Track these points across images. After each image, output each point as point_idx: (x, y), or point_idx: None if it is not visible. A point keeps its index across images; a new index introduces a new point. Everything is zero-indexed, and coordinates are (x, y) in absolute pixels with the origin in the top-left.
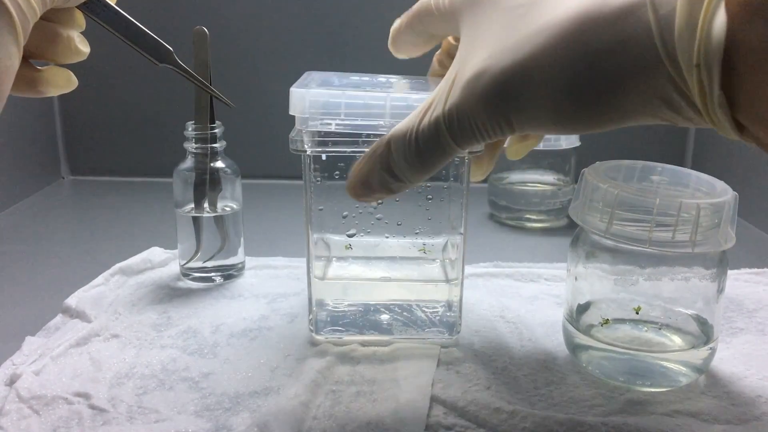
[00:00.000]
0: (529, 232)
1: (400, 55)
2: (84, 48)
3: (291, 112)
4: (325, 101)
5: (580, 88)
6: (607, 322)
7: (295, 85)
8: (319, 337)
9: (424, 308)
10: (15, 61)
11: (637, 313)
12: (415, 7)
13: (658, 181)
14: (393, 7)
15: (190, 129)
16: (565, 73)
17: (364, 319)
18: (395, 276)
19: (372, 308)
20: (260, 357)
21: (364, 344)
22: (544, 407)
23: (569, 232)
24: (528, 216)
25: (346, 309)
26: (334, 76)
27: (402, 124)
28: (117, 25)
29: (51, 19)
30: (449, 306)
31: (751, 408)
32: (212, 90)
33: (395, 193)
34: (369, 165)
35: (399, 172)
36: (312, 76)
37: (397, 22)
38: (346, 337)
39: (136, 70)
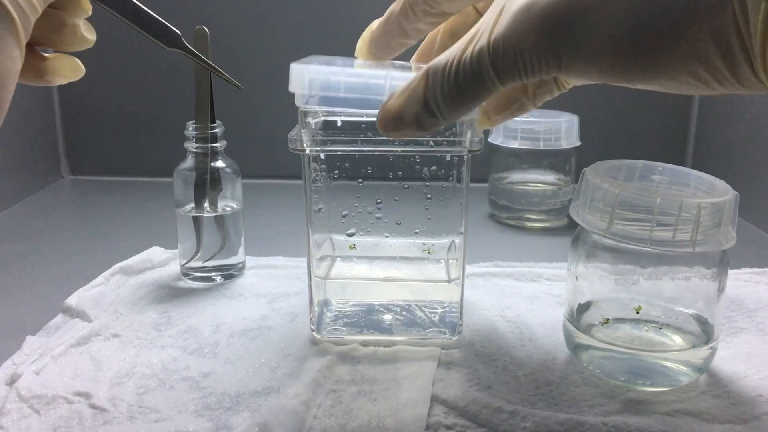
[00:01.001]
0: (529, 232)
1: (377, 56)
2: (90, 36)
3: (290, 89)
4: (325, 78)
5: (640, 23)
6: (607, 321)
7: (296, 62)
8: (319, 337)
9: (424, 308)
10: (17, 63)
11: (638, 312)
12: None
13: (658, 180)
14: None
15: (190, 128)
16: (625, 5)
17: (365, 318)
18: (398, 276)
19: (374, 308)
20: (261, 356)
21: (364, 344)
22: (544, 407)
23: (569, 231)
24: (528, 216)
25: (348, 309)
26: (337, 59)
27: (442, 56)
28: (124, 9)
29: (56, 5)
30: (450, 306)
31: (751, 407)
32: (220, 72)
33: (426, 131)
34: (403, 97)
35: (434, 106)
36: (315, 58)
37: (384, 17)
38: (347, 337)
39: (137, 70)
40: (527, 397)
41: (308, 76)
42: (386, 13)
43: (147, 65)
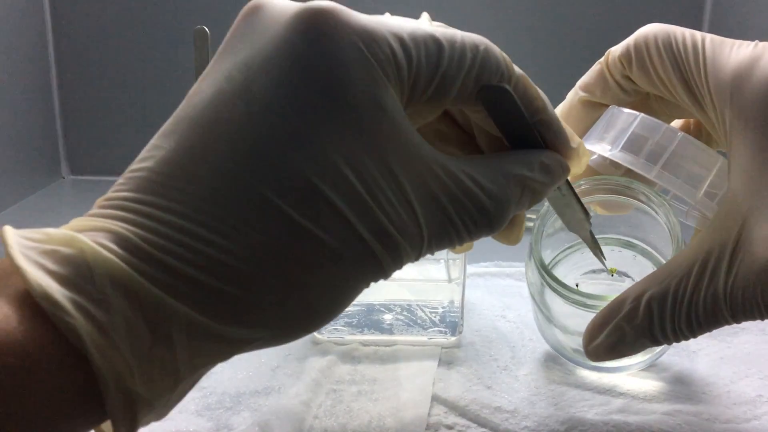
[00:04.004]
0: (529, 232)
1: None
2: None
3: None
4: None
5: None
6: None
7: None
8: (320, 336)
9: (425, 308)
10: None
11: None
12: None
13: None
14: (398, 9)
15: None
16: None
17: (366, 318)
18: (398, 276)
19: (375, 308)
20: (261, 356)
21: (365, 344)
22: (545, 406)
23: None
24: (528, 216)
25: (348, 308)
26: None
27: (662, 284)
28: (503, 120)
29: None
30: (451, 306)
31: (752, 407)
32: (599, 250)
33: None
34: (619, 330)
35: (662, 338)
36: None
37: (566, 103)
38: (348, 337)
39: (137, 70)
40: (527, 396)
41: None
42: (567, 99)
43: (148, 65)
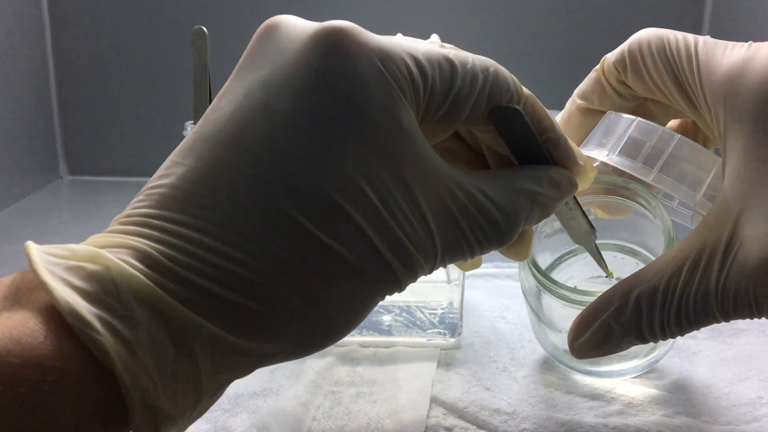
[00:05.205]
0: None
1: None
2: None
3: None
4: None
5: None
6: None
7: None
8: None
9: (424, 309)
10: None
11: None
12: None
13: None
14: (400, 13)
15: (188, 129)
16: None
17: (365, 319)
18: None
19: (374, 309)
20: None
21: (363, 345)
22: (544, 408)
23: None
24: None
25: None
26: None
27: (652, 281)
28: (514, 139)
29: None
30: (450, 307)
31: (751, 409)
32: (600, 255)
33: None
34: (605, 327)
35: (650, 335)
36: None
37: (564, 114)
38: (346, 338)
39: (136, 69)
40: (527, 398)
41: None
42: (566, 108)
43: (146, 65)
